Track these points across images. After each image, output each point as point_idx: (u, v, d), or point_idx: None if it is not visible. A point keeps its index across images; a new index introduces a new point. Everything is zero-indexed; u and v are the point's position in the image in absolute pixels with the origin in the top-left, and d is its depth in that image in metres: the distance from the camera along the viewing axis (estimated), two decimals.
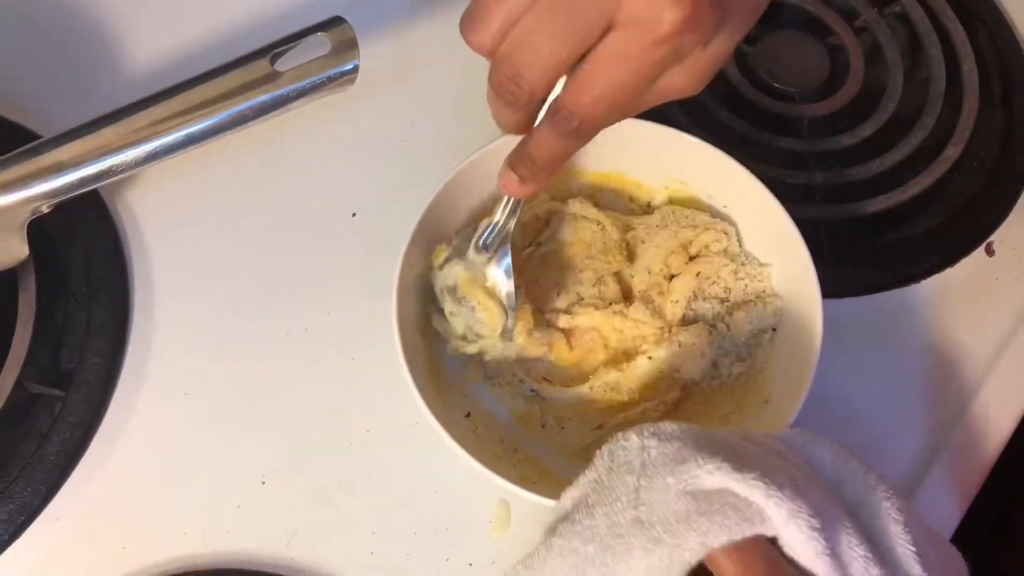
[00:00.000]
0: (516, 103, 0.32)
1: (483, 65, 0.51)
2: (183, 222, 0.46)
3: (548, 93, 0.32)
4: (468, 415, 0.41)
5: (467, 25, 0.31)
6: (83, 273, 0.44)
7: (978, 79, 0.50)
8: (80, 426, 0.41)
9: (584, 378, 0.41)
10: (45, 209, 0.38)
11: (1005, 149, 0.50)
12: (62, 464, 0.40)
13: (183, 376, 0.43)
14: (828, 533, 0.28)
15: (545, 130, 0.32)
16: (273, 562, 0.40)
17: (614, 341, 0.41)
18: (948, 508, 0.41)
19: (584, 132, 0.31)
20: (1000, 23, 0.53)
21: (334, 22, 0.40)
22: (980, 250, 0.47)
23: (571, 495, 0.32)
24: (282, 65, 0.40)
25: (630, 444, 0.31)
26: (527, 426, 0.41)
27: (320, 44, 0.40)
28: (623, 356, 0.41)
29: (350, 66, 0.40)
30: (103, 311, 0.43)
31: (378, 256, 0.46)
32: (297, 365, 0.44)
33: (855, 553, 0.28)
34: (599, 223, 0.43)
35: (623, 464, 0.31)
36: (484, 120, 0.48)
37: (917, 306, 0.46)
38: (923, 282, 0.46)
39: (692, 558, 0.28)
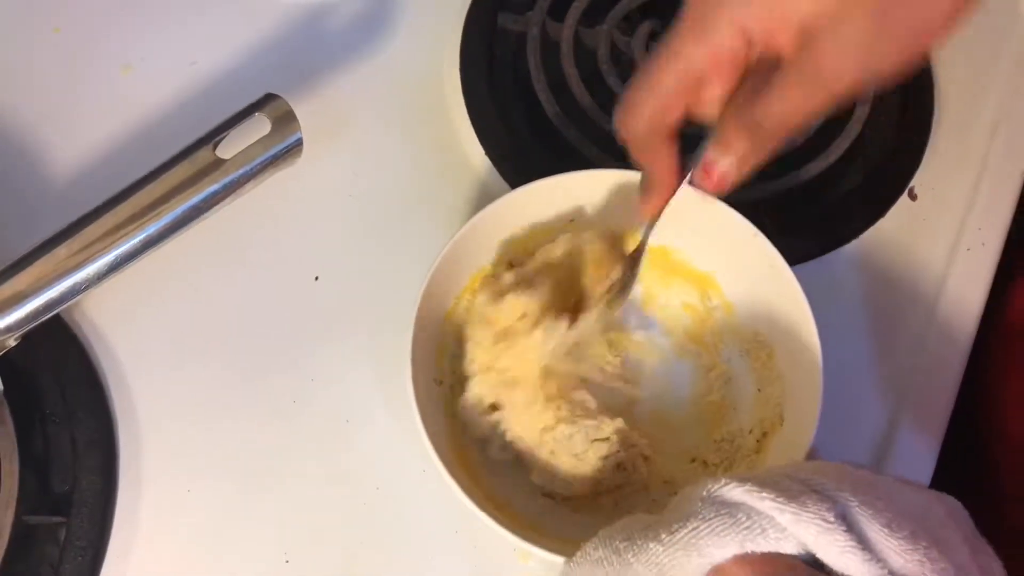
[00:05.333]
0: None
1: (410, 107, 0.52)
2: (146, 321, 0.45)
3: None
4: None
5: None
6: (56, 393, 0.43)
7: None
8: (89, 548, 0.40)
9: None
10: (12, 342, 0.37)
11: (906, 101, 0.53)
12: None
13: (181, 474, 0.43)
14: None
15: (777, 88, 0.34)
16: None
17: None
18: (923, 453, 0.45)
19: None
20: None
21: (268, 99, 0.40)
22: (904, 197, 0.51)
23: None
24: (224, 151, 0.40)
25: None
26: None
27: (259, 123, 0.40)
28: None
29: (293, 139, 0.40)
30: (86, 427, 0.42)
31: (348, 313, 0.46)
32: (292, 438, 0.44)
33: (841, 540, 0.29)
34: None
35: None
36: (421, 160, 0.50)
37: (859, 259, 0.49)
38: (861, 237, 0.50)
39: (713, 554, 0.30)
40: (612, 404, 0.43)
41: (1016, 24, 0.56)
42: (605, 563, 0.31)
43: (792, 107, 0.34)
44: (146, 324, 0.45)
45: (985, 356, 0.49)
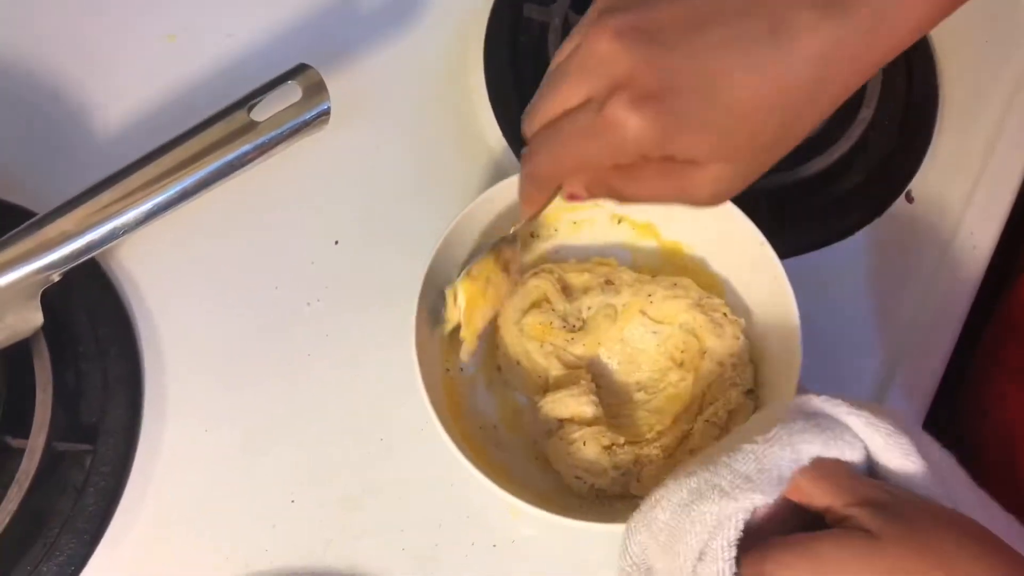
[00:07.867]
0: None
1: (435, 88, 0.55)
2: (176, 270, 0.49)
3: None
4: (482, 427, 0.45)
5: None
6: (90, 332, 0.46)
7: None
8: (112, 475, 0.44)
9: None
10: (56, 278, 0.41)
11: (910, 107, 0.55)
12: (101, 512, 0.43)
13: (201, 414, 0.46)
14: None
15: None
16: (312, 572, 0.43)
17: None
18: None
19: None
20: None
21: (301, 68, 0.43)
22: (901, 199, 0.53)
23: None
24: (258, 115, 0.43)
25: None
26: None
27: (291, 91, 0.43)
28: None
29: (322, 107, 0.43)
30: (116, 365, 0.46)
31: (364, 276, 0.49)
32: (305, 388, 0.47)
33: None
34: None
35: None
36: (441, 138, 0.53)
37: (855, 255, 0.52)
38: (856, 234, 0.52)
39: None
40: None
41: (1021, 37, 0.58)
42: (700, 474, 0.33)
43: (650, 196, 0.36)
44: (175, 272, 0.49)
45: (980, 349, 0.52)
